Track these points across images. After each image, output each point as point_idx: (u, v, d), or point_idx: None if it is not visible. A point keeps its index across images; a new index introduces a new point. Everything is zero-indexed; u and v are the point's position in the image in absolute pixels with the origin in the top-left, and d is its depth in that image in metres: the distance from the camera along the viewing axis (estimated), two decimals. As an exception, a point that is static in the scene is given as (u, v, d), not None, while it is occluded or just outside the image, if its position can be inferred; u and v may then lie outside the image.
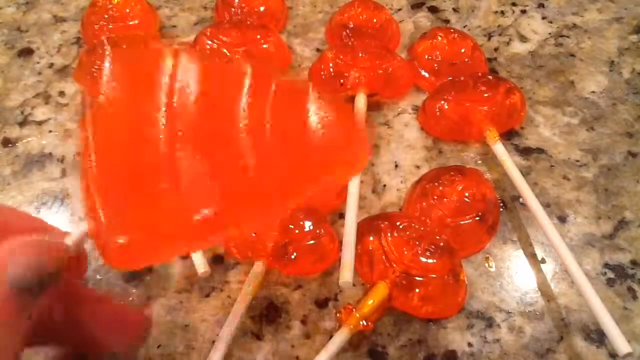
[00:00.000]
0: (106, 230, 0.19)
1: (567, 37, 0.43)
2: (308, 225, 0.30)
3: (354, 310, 0.28)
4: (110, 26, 0.42)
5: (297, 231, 0.30)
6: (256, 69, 0.22)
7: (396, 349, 0.29)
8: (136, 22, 0.42)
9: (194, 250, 0.28)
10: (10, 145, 0.37)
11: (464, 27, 0.44)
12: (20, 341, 0.17)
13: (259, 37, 0.40)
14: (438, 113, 0.36)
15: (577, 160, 0.36)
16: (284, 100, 0.22)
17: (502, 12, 0.46)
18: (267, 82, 0.22)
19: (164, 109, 0.20)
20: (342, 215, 0.32)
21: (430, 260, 0.29)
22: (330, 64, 0.38)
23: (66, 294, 0.21)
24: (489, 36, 0.44)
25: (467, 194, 0.31)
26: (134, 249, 0.20)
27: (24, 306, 0.18)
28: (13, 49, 0.44)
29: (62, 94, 0.41)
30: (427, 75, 0.39)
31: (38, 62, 0.43)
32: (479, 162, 0.36)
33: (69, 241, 0.20)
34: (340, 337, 0.27)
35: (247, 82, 0.21)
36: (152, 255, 0.21)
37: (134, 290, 0.31)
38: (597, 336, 0.29)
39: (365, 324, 0.28)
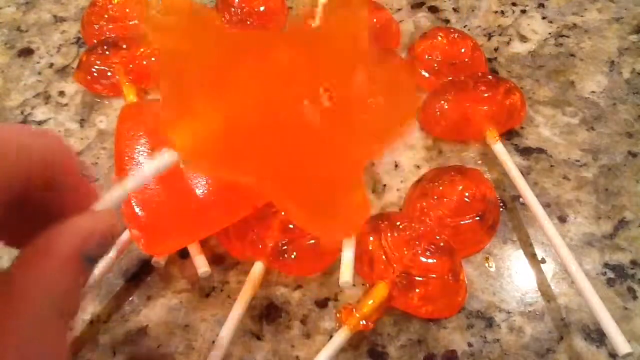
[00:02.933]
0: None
1: (567, 37, 0.43)
2: (308, 225, 0.30)
3: (354, 310, 0.28)
4: (110, 26, 0.42)
5: (297, 231, 0.30)
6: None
7: (396, 349, 0.29)
8: (136, 22, 0.42)
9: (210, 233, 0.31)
10: (10, 145, 0.37)
11: (464, 27, 0.44)
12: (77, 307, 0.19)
13: (259, 37, 0.40)
14: (438, 113, 0.36)
15: (577, 160, 0.36)
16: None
17: (502, 12, 0.46)
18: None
19: None
20: (342, 215, 0.32)
21: (430, 260, 0.29)
22: (330, 64, 0.38)
23: None
24: (489, 36, 0.44)
25: (467, 194, 0.31)
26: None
27: (88, 275, 0.19)
28: (13, 49, 0.44)
29: (62, 94, 0.41)
30: (427, 75, 0.39)
31: (38, 62, 0.43)
32: (479, 162, 0.36)
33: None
34: (340, 337, 0.27)
35: None
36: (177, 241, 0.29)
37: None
38: (597, 336, 0.29)
39: (365, 324, 0.28)
